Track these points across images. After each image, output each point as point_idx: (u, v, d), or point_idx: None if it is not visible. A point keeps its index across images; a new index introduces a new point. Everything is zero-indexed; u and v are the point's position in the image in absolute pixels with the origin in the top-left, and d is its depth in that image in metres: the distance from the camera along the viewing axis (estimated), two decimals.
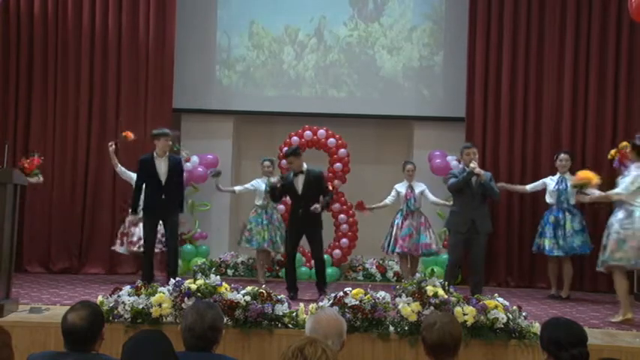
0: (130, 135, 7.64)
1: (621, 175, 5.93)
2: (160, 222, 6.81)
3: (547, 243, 7.21)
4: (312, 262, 6.81)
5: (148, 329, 2.76)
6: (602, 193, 5.99)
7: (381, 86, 9.12)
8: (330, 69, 9.15)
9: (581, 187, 6.32)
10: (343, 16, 9.11)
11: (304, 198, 6.55)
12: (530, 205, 8.19)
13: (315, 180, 6.62)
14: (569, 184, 7.10)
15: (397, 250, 7.56)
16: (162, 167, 6.63)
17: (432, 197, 7.71)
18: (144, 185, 6.72)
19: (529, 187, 7.63)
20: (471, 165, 6.22)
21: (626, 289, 5.74)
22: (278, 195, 6.89)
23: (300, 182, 6.60)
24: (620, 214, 5.69)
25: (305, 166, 6.67)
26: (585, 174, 6.23)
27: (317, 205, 6.47)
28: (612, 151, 6.74)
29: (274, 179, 6.99)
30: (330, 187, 7.28)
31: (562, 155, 7.44)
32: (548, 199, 7.36)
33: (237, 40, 9.14)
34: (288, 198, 7.20)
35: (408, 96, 9.10)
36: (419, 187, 7.70)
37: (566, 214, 7.17)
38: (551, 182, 7.39)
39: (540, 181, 7.56)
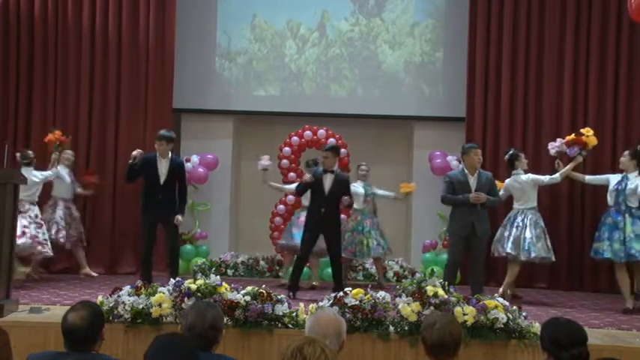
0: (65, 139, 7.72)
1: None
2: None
3: (604, 246, 6.60)
4: (330, 262, 6.77)
5: (169, 333, 2.73)
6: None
7: (382, 81, 9.13)
8: (331, 63, 9.17)
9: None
10: (345, 11, 9.16)
11: (329, 198, 6.55)
12: None
13: (343, 183, 6.65)
14: (629, 183, 6.57)
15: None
16: (162, 168, 6.65)
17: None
18: (145, 185, 6.77)
19: (588, 177, 7.12)
20: (471, 196, 6.11)
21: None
22: (303, 190, 6.86)
23: (328, 181, 6.60)
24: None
25: (336, 166, 6.72)
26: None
27: (346, 197, 6.51)
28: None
29: (308, 177, 6.73)
30: None
31: (625, 152, 6.90)
32: (608, 199, 6.73)
33: (238, 34, 9.16)
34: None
35: (408, 92, 9.10)
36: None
37: (626, 216, 6.52)
38: (613, 181, 6.74)
39: (604, 176, 7.01)
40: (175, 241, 6.82)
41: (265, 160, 7.65)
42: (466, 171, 6.27)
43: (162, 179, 6.63)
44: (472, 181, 6.22)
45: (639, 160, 6.67)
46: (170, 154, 6.73)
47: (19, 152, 7.38)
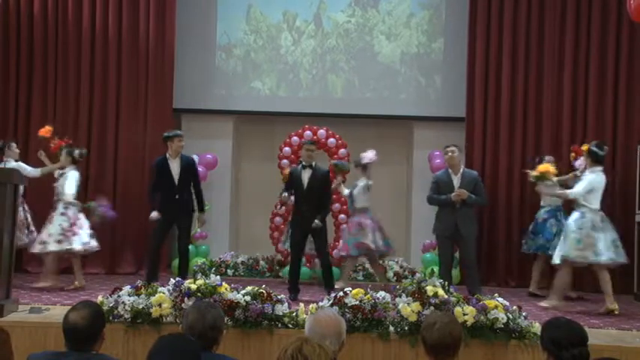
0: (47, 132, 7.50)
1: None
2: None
3: None
4: (317, 260, 6.76)
5: (173, 334, 2.71)
6: (561, 191, 6.60)
7: (379, 72, 9.13)
8: (327, 55, 9.18)
9: (539, 179, 6.75)
10: (341, 3, 9.18)
11: (309, 193, 6.50)
12: (529, 206, 8.18)
13: (322, 178, 6.61)
14: None
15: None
16: (175, 168, 6.66)
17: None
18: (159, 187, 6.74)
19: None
20: (453, 195, 6.24)
21: (565, 281, 6.45)
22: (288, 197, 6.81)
23: (306, 176, 6.57)
24: (575, 215, 6.26)
25: (314, 162, 6.71)
26: (545, 167, 6.67)
27: (317, 221, 6.42)
28: (573, 154, 7.36)
29: (285, 194, 6.73)
30: None
31: None
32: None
33: (234, 26, 9.16)
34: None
35: (405, 83, 9.11)
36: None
37: None
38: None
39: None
40: (188, 241, 6.87)
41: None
42: (450, 171, 6.37)
43: (176, 179, 6.64)
44: (455, 180, 6.36)
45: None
46: (180, 154, 6.74)
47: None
